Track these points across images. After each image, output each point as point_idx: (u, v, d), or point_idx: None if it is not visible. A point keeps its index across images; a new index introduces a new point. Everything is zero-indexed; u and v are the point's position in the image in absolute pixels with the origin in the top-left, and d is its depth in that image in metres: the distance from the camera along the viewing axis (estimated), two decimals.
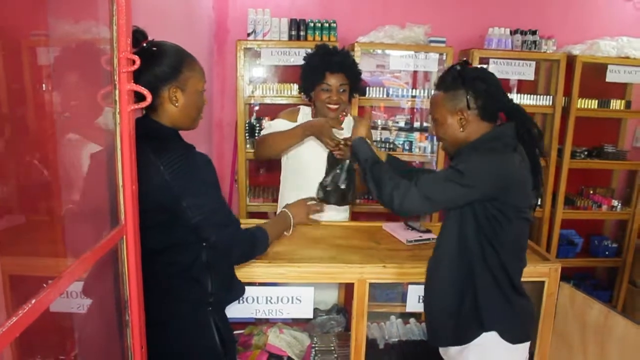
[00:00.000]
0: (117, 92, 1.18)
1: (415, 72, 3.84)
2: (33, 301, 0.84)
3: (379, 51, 3.65)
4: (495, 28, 3.64)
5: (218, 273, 1.58)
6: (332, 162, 2.13)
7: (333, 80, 2.29)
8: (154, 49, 1.48)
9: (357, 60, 2.70)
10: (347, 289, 2.55)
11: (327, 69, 2.29)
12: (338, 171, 2.09)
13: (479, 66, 1.69)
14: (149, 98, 1.23)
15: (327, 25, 3.44)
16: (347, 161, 2.07)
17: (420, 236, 2.16)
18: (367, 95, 3.59)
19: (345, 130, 2.34)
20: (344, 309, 2.64)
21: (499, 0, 3.83)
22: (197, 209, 1.46)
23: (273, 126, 2.41)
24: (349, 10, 3.74)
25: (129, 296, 1.29)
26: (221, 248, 1.56)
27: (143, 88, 1.22)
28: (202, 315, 1.56)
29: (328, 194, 2.10)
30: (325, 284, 2.53)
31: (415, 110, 3.93)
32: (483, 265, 1.61)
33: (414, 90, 3.71)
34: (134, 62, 1.17)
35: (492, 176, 1.54)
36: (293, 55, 3.45)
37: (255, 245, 1.71)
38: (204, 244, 1.54)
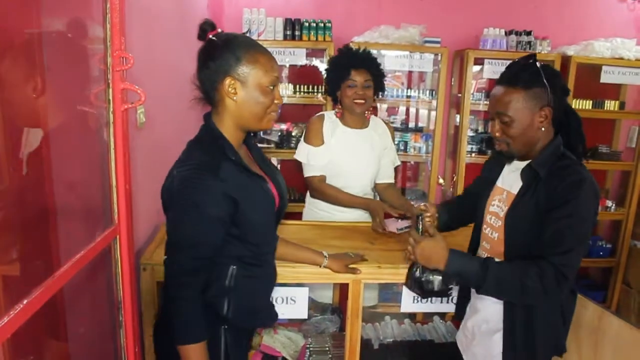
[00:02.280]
0: (110, 91, 1.17)
1: (410, 73, 3.85)
2: (25, 302, 0.83)
3: (374, 51, 3.63)
4: (490, 28, 3.65)
5: (240, 298, 1.45)
6: None
7: (358, 77, 2.36)
8: (215, 40, 1.36)
9: None
10: (342, 290, 2.55)
11: (351, 65, 2.37)
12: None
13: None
14: (143, 97, 1.22)
15: (322, 25, 3.44)
16: None
17: (410, 224, 2.17)
18: None
19: (371, 128, 2.50)
20: (338, 309, 2.64)
21: (494, 1, 3.84)
22: (170, 225, 1.35)
23: (310, 159, 2.45)
24: (344, 10, 3.73)
25: (123, 297, 1.28)
26: (166, 271, 1.36)
27: (136, 87, 1.21)
28: (213, 332, 1.43)
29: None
30: (320, 284, 2.53)
31: (410, 110, 3.93)
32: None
33: (409, 90, 3.72)
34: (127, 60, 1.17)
35: (596, 204, 1.53)
36: (288, 55, 3.45)
37: (188, 320, 1.35)
38: (233, 266, 1.43)
